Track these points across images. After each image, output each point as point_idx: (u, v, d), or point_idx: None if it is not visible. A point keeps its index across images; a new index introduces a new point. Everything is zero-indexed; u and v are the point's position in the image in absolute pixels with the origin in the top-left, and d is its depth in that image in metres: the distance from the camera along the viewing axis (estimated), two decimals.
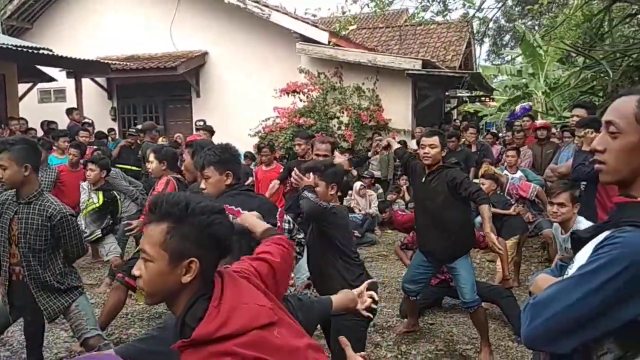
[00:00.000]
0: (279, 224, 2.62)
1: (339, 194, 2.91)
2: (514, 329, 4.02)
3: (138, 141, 7.87)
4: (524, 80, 16.44)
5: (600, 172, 1.33)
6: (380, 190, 8.04)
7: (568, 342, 1.22)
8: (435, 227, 3.68)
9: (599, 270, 1.18)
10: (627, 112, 1.27)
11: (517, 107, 12.70)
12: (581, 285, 1.20)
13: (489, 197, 5.51)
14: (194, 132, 9.86)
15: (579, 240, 1.37)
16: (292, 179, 3.07)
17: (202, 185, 2.62)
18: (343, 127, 9.56)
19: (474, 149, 7.80)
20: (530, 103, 13.86)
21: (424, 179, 3.71)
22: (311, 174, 2.88)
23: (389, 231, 8.05)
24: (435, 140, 3.63)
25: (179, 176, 3.86)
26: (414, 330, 4.19)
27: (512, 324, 4.09)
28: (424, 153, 3.63)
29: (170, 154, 4.03)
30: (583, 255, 1.29)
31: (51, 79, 11.12)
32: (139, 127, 8.13)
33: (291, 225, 2.71)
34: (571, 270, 1.32)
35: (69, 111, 9.31)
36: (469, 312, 3.80)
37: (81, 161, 5.86)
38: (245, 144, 9.21)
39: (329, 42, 10.06)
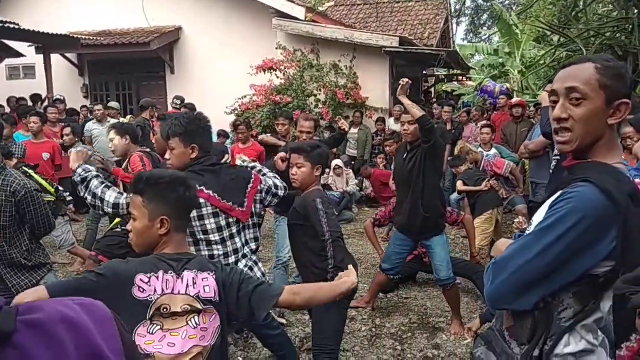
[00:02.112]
0: (246, 203, 2.56)
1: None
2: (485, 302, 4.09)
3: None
4: (500, 60, 16.55)
5: (564, 142, 1.33)
6: (350, 173, 8.10)
7: (530, 297, 1.26)
8: (411, 199, 3.73)
9: (555, 224, 1.21)
10: (589, 78, 1.27)
11: (497, 88, 12.77)
12: (539, 240, 1.23)
13: (462, 174, 5.61)
14: (169, 109, 9.66)
15: (535, 207, 1.40)
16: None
17: (167, 156, 2.50)
18: (320, 105, 9.50)
19: (449, 126, 7.85)
20: (508, 84, 13.96)
21: (404, 155, 3.78)
22: (296, 154, 2.79)
23: (366, 208, 8.11)
24: (408, 116, 3.64)
25: (147, 149, 3.76)
26: (365, 307, 4.21)
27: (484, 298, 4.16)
28: (404, 130, 3.71)
29: (131, 127, 3.90)
30: (539, 216, 1.32)
31: (19, 54, 10.73)
32: (141, 103, 7.72)
33: (268, 193, 2.68)
34: (529, 231, 1.35)
35: (34, 97, 9.02)
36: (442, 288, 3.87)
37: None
38: (221, 122, 9.09)
39: (306, 17, 9.92)
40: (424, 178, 3.69)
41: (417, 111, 3.49)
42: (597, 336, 1.25)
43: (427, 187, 3.69)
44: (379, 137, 8.77)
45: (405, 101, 3.57)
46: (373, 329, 3.87)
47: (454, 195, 6.55)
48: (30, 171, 4.17)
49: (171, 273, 1.66)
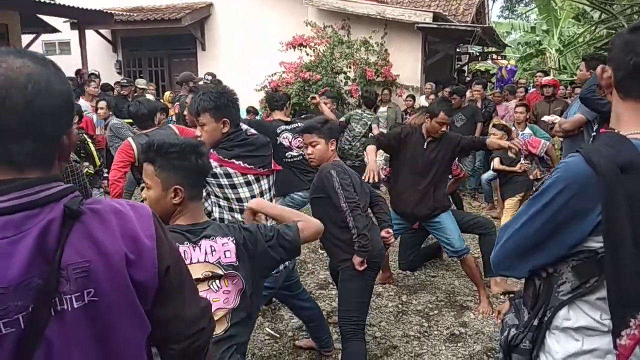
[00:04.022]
0: (272, 162, 2.60)
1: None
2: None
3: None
4: (537, 38, 16.04)
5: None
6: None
7: (523, 265, 1.27)
8: (424, 189, 3.74)
9: (542, 193, 1.22)
10: None
11: (503, 71, 12.30)
12: (529, 209, 1.24)
13: (499, 151, 5.46)
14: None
15: None
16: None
17: (198, 133, 2.46)
18: (350, 83, 9.40)
19: (479, 105, 7.68)
20: (512, 62, 13.44)
21: (425, 145, 3.76)
22: (308, 134, 2.80)
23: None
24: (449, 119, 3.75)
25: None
26: (388, 282, 4.24)
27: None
28: (442, 131, 3.72)
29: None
30: None
31: (54, 30, 10.95)
32: (178, 79, 7.75)
33: None
34: None
35: (78, 72, 9.24)
36: (459, 261, 3.91)
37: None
38: (251, 99, 9.12)
39: None
40: (444, 172, 3.78)
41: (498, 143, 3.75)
42: (608, 317, 1.20)
43: (443, 179, 3.80)
44: (408, 115, 8.65)
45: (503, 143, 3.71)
46: (400, 306, 3.87)
47: (486, 175, 6.44)
48: (89, 140, 4.30)
49: (187, 244, 1.67)
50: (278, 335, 3.41)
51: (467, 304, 3.92)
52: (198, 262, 1.66)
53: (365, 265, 2.66)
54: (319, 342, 3.14)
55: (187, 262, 1.64)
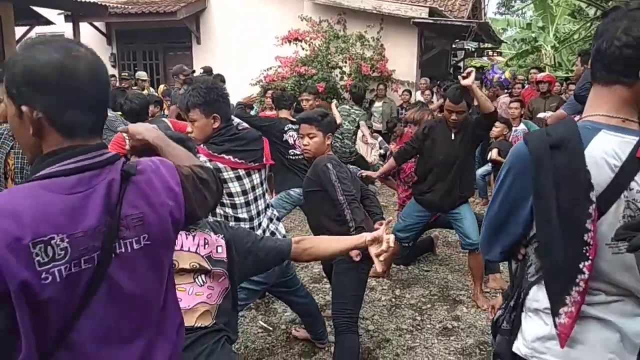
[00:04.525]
0: (265, 155, 2.59)
1: None
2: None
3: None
4: (533, 34, 16.04)
5: None
6: (380, 139, 7.96)
7: (494, 248, 1.35)
8: (450, 181, 3.73)
9: (499, 177, 1.32)
10: None
11: (495, 78, 12.45)
12: (493, 194, 1.34)
13: (498, 143, 5.46)
14: None
15: None
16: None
17: (189, 129, 2.43)
18: (345, 77, 9.39)
19: (475, 102, 7.67)
20: (508, 74, 13.47)
21: (453, 136, 3.72)
22: (307, 124, 2.78)
23: None
24: (463, 105, 3.64)
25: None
26: (382, 276, 4.24)
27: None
28: (452, 119, 3.66)
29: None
30: None
31: (48, 22, 10.85)
32: (172, 70, 7.74)
33: None
34: None
35: None
36: (469, 253, 3.88)
37: None
38: (246, 94, 9.08)
39: None
40: (468, 161, 3.81)
41: (490, 105, 3.54)
42: None
43: (468, 169, 3.82)
44: (404, 110, 8.64)
45: (479, 93, 3.55)
46: (393, 300, 3.88)
47: (480, 170, 6.46)
48: None
49: (181, 231, 1.67)
50: (271, 328, 3.41)
51: (460, 298, 3.93)
52: (189, 251, 1.67)
53: (361, 256, 2.66)
54: (314, 335, 3.15)
55: (177, 248, 1.64)
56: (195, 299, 1.66)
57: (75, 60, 0.99)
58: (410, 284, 4.20)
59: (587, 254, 1.14)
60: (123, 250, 1.03)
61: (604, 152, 1.15)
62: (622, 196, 1.14)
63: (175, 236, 1.17)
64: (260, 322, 3.49)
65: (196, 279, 1.68)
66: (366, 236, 1.73)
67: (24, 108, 0.97)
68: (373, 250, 1.71)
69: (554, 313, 1.19)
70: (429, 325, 3.49)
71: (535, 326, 1.27)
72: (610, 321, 1.19)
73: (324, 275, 4.03)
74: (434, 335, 3.36)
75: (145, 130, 1.36)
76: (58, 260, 0.93)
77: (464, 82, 3.43)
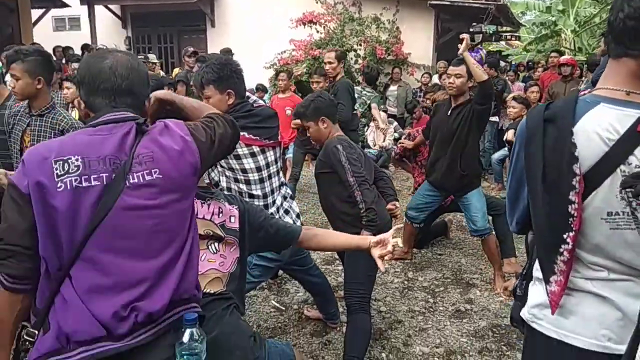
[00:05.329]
0: (279, 133, 2.59)
1: None
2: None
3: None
4: (552, 18, 15.69)
5: None
6: (396, 124, 7.88)
7: (511, 221, 1.41)
8: (450, 157, 3.71)
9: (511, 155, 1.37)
10: None
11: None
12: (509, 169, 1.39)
13: (515, 123, 5.33)
14: None
15: None
16: None
17: None
18: (360, 60, 9.30)
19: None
20: (482, 53, 13.15)
21: (449, 112, 3.71)
22: (299, 120, 2.85)
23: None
24: (461, 69, 3.61)
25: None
26: (405, 258, 4.26)
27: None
28: (449, 83, 3.67)
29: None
30: None
31: (64, 5, 10.90)
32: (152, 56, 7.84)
33: None
34: None
35: (85, 47, 9.20)
36: (480, 240, 3.86)
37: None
38: (260, 77, 9.06)
39: None
40: (467, 137, 3.68)
41: (481, 74, 3.48)
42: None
43: (468, 146, 3.69)
44: (421, 93, 8.53)
45: (470, 60, 3.51)
46: (405, 282, 3.87)
47: (496, 155, 6.38)
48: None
49: (196, 199, 1.69)
50: (283, 308, 3.42)
51: (474, 281, 3.90)
52: (203, 218, 1.70)
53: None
54: (326, 314, 3.16)
55: None
56: (207, 265, 1.69)
57: (100, 60, 1.35)
58: (424, 267, 4.18)
59: (572, 225, 1.16)
60: (136, 180, 1.26)
61: (597, 125, 1.15)
62: (618, 170, 1.13)
63: (194, 180, 1.37)
64: (272, 301, 3.50)
65: (209, 246, 1.70)
66: (370, 239, 1.84)
67: (79, 99, 1.29)
68: (376, 252, 1.79)
69: (545, 281, 1.24)
70: (441, 308, 3.47)
71: (536, 293, 1.32)
72: (610, 299, 1.19)
73: (337, 257, 4.04)
74: (447, 317, 3.35)
75: (156, 93, 1.53)
76: (71, 173, 1.22)
77: (459, 52, 3.54)
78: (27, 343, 1.24)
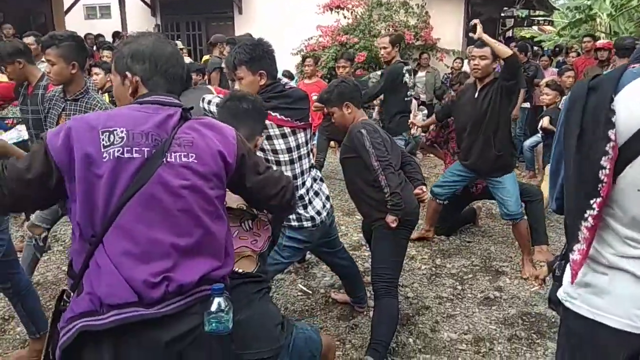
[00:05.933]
0: (310, 115, 2.58)
1: None
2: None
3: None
4: (588, 2, 15.17)
5: None
6: (425, 112, 7.76)
7: (552, 199, 1.38)
8: (483, 140, 3.66)
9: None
10: None
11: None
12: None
13: (550, 110, 5.19)
14: None
15: None
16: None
17: (236, 86, 2.46)
18: None
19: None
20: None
21: (476, 95, 3.66)
22: (322, 105, 2.84)
23: (431, 155, 7.88)
24: (486, 51, 3.57)
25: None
26: (426, 237, 4.28)
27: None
28: (474, 65, 3.64)
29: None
30: None
31: None
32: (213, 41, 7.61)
33: None
34: None
35: (116, 34, 9.35)
36: (512, 223, 3.82)
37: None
38: (287, 63, 9.03)
39: None
40: (499, 116, 3.61)
41: (505, 49, 3.43)
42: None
43: (501, 125, 3.63)
44: (451, 78, 8.37)
45: (490, 39, 3.47)
46: (433, 269, 3.84)
47: (528, 142, 6.23)
48: None
49: None
50: (310, 292, 3.44)
51: (503, 269, 3.84)
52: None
53: (397, 223, 2.62)
54: (353, 298, 3.17)
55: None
56: (238, 242, 1.69)
57: (165, 44, 1.47)
58: (452, 254, 4.13)
59: (600, 192, 1.13)
60: (173, 160, 1.33)
61: (638, 96, 1.13)
62: None
63: (226, 176, 1.42)
64: (299, 285, 3.53)
65: (243, 224, 1.70)
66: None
67: (127, 74, 1.43)
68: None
69: (569, 249, 1.22)
70: (469, 295, 3.44)
71: (569, 273, 1.30)
72: None
73: (363, 243, 4.03)
74: (475, 304, 3.31)
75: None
76: (116, 144, 1.29)
77: (475, 36, 3.49)
78: (67, 304, 1.31)
